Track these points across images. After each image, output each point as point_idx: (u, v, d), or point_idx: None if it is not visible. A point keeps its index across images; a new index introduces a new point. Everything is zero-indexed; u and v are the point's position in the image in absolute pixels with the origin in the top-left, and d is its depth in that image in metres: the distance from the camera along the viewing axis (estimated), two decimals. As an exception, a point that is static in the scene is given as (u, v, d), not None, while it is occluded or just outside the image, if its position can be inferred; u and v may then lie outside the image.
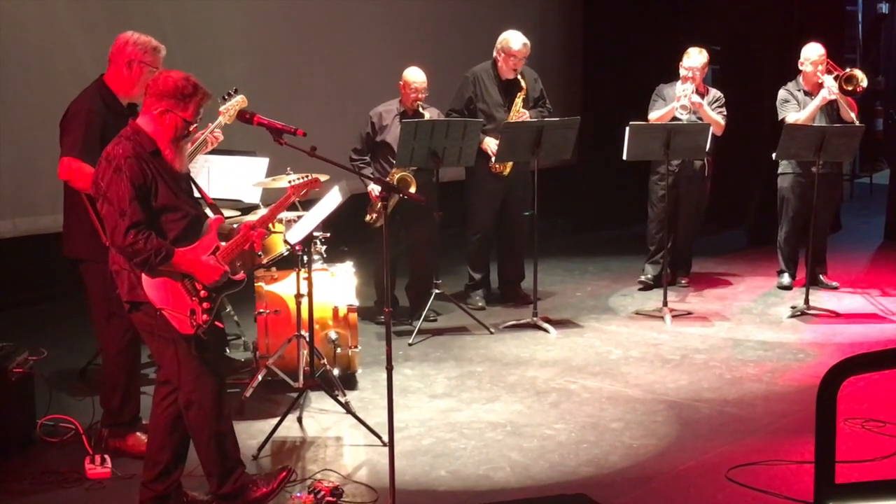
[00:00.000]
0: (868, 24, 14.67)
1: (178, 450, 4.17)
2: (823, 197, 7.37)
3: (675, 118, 7.55)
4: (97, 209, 4.55)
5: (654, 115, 7.62)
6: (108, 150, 3.90)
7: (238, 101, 5.14)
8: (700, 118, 7.55)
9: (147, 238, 3.79)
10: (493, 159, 7.09)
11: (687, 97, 7.48)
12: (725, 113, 7.68)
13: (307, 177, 4.78)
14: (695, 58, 7.59)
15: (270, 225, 5.79)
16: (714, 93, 7.76)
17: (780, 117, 7.55)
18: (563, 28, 10.79)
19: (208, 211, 4.17)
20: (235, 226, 4.24)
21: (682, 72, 7.59)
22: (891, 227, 10.12)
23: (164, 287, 3.88)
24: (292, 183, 4.65)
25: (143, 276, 3.85)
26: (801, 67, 7.58)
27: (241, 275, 4.12)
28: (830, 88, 7.32)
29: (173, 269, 3.87)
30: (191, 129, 3.99)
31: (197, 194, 4.21)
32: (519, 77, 7.22)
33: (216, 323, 4.02)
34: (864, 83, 7.42)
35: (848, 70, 7.49)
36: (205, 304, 3.93)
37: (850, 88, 7.36)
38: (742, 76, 10.31)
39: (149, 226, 3.83)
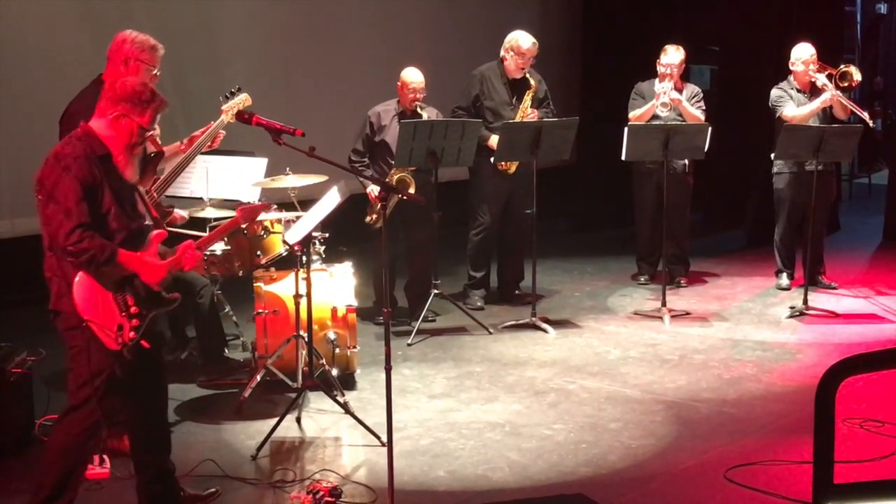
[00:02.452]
0: (867, 24, 14.68)
1: (157, 439, 4.13)
2: (819, 196, 7.37)
3: (655, 116, 7.60)
4: None
5: (635, 114, 7.66)
6: (58, 149, 3.77)
7: (242, 100, 5.13)
8: (680, 115, 7.59)
9: (91, 237, 3.66)
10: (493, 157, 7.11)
11: (666, 94, 7.52)
12: (704, 108, 7.74)
13: (259, 202, 4.74)
14: (672, 55, 7.63)
15: (269, 225, 5.84)
16: (692, 88, 7.83)
17: (777, 114, 7.56)
18: (562, 28, 10.80)
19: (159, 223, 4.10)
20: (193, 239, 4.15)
21: (660, 69, 7.65)
22: (889, 227, 10.13)
23: (96, 298, 3.74)
24: (241, 206, 4.60)
25: (77, 283, 3.70)
26: (791, 67, 7.62)
27: (174, 294, 3.97)
28: (829, 88, 7.34)
29: (117, 270, 3.75)
30: (146, 136, 3.88)
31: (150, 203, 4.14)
32: (527, 76, 7.23)
33: (142, 343, 3.83)
34: (858, 76, 7.46)
35: (843, 66, 7.52)
36: (133, 322, 3.78)
37: (845, 84, 7.40)
38: (740, 76, 10.32)
39: (93, 228, 3.70)
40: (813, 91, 7.56)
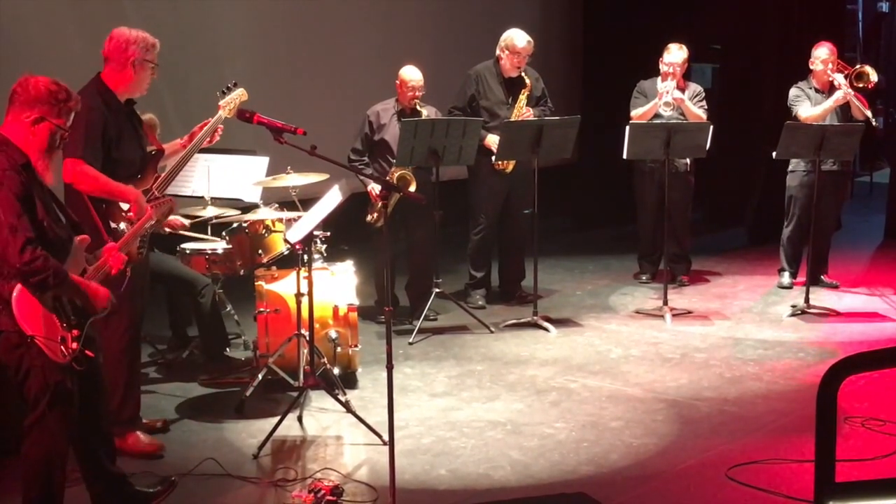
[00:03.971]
0: (868, 22, 14.67)
1: (103, 445, 4.07)
2: (829, 195, 7.39)
3: (657, 115, 7.60)
4: (98, 208, 4.55)
5: (637, 112, 7.66)
6: None
7: (238, 95, 5.12)
8: (682, 114, 7.60)
9: (45, 257, 3.53)
10: (494, 157, 7.11)
11: (669, 93, 7.52)
12: (706, 107, 7.75)
13: (164, 197, 4.76)
14: (675, 53, 7.62)
15: (271, 224, 5.85)
16: (694, 87, 7.82)
17: (793, 113, 7.56)
18: (563, 26, 10.79)
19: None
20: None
21: (663, 68, 7.64)
22: (891, 225, 10.12)
23: (37, 312, 3.62)
24: (153, 202, 4.58)
25: (16, 299, 3.58)
26: (811, 66, 7.61)
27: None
28: (844, 88, 7.35)
29: (63, 293, 3.67)
30: (64, 137, 3.75)
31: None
32: (522, 74, 7.22)
33: (87, 352, 3.77)
34: (875, 77, 7.45)
35: (858, 66, 7.52)
36: (74, 332, 3.71)
37: (860, 85, 7.39)
38: (742, 74, 10.32)
39: (39, 243, 3.55)
40: (831, 91, 7.51)
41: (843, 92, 7.36)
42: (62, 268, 3.63)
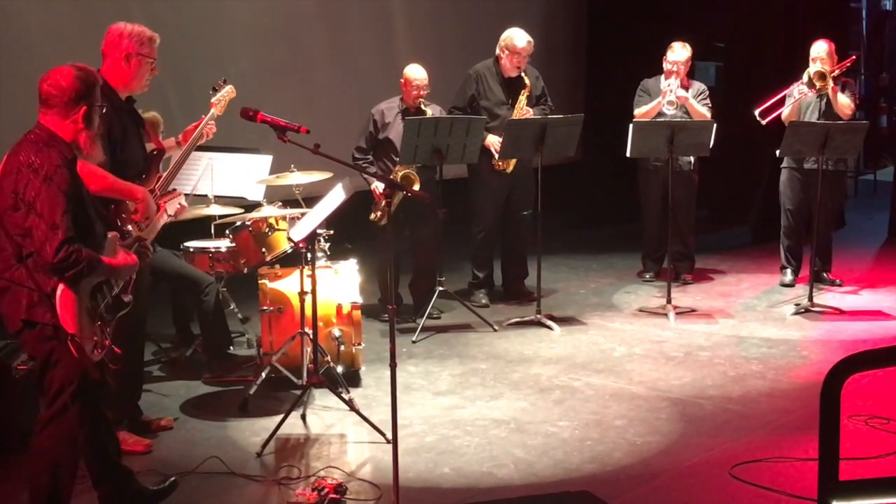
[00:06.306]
0: (872, 20, 14.67)
1: (113, 443, 4.06)
2: (822, 194, 7.35)
3: (660, 113, 7.60)
4: (107, 209, 4.54)
5: (641, 111, 7.66)
6: (30, 157, 3.59)
7: (227, 92, 5.12)
8: (686, 112, 7.59)
9: (78, 251, 3.55)
10: (496, 156, 7.11)
11: (672, 92, 7.53)
12: (710, 105, 7.75)
13: (173, 190, 4.80)
14: (678, 52, 7.63)
15: (274, 222, 5.85)
16: (698, 85, 7.82)
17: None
18: (566, 25, 10.78)
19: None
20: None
21: (666, 66, 7.64)
22: (895, 223, 10.10)
23: (79, 311, 3.65)
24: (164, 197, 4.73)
25: (61, 296, 3.59)
26: None
27: (130, 296, 3.94)
28: (798, 85, 7.39)
29: (98, 276, 3.71)
30: (100, 110, 3.81)
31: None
32: (522, 74, 7.21)
33: (114, 349, 3.80)
34: (822, 85, 7.35)
35: (812, 67, 7.42)
36: (107, 329, 3.76)
37: (819, 85, 7.36)
38: (746, 72, 10.30)
39: (79, 240, 3.60)
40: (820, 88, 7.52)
41: (797, 88, 7.40)
42: (95, 255, 3.65)
